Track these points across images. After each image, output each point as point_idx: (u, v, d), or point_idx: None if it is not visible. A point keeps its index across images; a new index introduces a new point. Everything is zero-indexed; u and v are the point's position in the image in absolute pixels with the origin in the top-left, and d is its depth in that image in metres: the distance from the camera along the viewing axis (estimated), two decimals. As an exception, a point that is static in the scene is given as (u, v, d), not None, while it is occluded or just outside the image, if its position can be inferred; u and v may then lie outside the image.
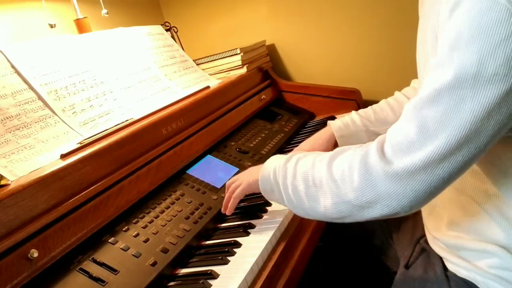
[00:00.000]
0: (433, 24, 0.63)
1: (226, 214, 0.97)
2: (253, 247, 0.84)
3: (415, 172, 0.60)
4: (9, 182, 0.80)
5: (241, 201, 1.07)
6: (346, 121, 1.10)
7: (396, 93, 1.13)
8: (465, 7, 0.56)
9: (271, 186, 0.83)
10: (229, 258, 0.81)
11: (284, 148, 1.39)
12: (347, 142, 1.08)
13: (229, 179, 1.00)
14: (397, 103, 1.09)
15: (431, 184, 0.61)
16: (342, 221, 0.72)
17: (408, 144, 0.61)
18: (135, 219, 0.89)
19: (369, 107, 1.12)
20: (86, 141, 0.95)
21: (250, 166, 1.20)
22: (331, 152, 0.75)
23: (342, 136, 1.09)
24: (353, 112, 1.13)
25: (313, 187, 0.73)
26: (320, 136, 1.12)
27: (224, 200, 0.97)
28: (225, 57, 1.62)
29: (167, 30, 1.63)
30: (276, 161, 0.84)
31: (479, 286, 0.73)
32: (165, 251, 0.83)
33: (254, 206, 1.01)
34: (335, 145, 1.10)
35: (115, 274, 0.75)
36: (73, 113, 1.06)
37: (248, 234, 0.89)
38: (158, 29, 1.57)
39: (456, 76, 0.56)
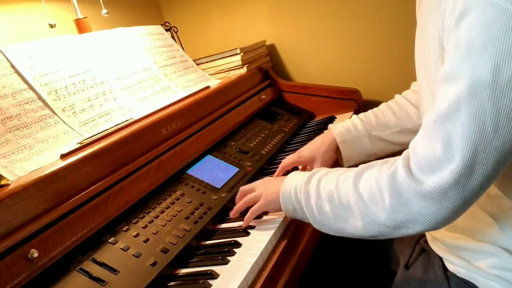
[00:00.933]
0: (437, 30, 0.63)
1: (230, 216, 0.97)
2: (253, 247, 0.84)
3: (447, 189, 0.60)
4: (9, 182, 0.80)
5: (241, 201, 1.08)
6: (347, 126, 1.09)
7: (397, 96, 1.12)
8: (473, 17, 0.55)
9: (293, 206, 0.83)
10: (229, 258, 0.81)
11: (284, 148, 1.39)
12: (349, 147, 1.07)
13: (243, 184, 1.00)
14: (398, 107, 1.08)
15: (464, 198, 0.60)
16: (372, 239, 0.72)
17: (435, 161, 0.61)
18: (135, 219, 0.89)
19: (370, 111, 1.11)
20: (86, 141, 0.95)
21: (250, 166, 1.20)
22: (354, 170, 0.74)
23: (344, 142, 1.07)
24: (354, 116, 1.11)
25: (340, 207, 0.73)
26: (322, 141, 1.10)
27: (236, 207, 0.96)
28: (225, 57, 1.62)
29: (167, 30, 1.63)
30: (296, 179, 0.83)
31: (479, 286, 0.73)
32: (165, 251, 0.83)
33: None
34: (337, 150, 1.09)
35: (115, 274, 0.75)
36: (73, 113, 1.06)
37: (248, 234, 0.89)
38: (158, 29, 1.57)
39: (472, 87, 0.56)
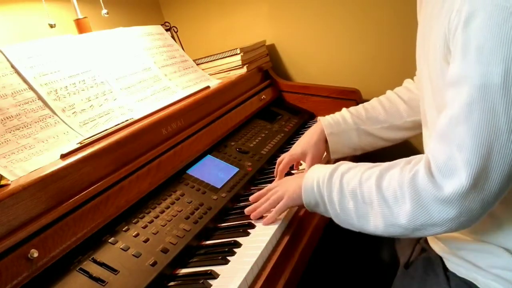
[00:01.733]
0: (442, 30, 0.63)
1: (252, 218, 0.95)
2: (253, 247, 0.84)
3: (465, 193, 0.60)
4: (9, 182, 0.80)
5: (241, 201, 1.08)
6: (336, 118, 1.09)
7: (388, 92, 1.12)
8: (480, 19, 0.56)
9: (315, 200, 0.83)
10: (229, 258, 0.81)
11: (284, 148, 1.39)
12: (337, 139, 1.08)
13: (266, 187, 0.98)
14: (389, 103, 1.08)
15: (483, 200, 0.61)
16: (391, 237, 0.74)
17: (453, 165, 0.61)
18: (135, 219, 0.89)
19: (360, 105, 1.11)
20: (86, 141, 0.95)
21: (250, 166, 1.20)
22: (377, 168, 0.74)
23: (332, 134, 1.08)
24: (344, 109, 1.12)
25: (363, 205, 0.73)
26: (311, 133, 1.11)
27: (261, 208, 0.94)
28: (225, 57, 1.62)
29: (167, 30, 1.63)
30: (318, 173, 0.83)
31: (479, 286, 0.73)
32: (165, 251, 0.83)
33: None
34: (326, 141, 1.10)
35: (115, 274, 0.75)
36: (73, 113, 1.06)
37: (248, 234, 0.89)
38: (158, 29, 1.57)
39: (483, 89, 0.57)
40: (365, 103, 1.12)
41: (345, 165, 0.81)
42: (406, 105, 1.06)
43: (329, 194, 0.79)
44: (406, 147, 1.61)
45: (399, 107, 1.06)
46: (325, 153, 1.12)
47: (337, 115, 1.10)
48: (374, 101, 1.11)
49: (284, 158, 1.11)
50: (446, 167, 0.62)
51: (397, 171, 0.70)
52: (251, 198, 0.99)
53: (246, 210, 0.96)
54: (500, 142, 0.57)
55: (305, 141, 1.10)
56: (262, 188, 1.11)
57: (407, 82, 1.12)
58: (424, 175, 0.65)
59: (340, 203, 0.77)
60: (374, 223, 0.72)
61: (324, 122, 1.09)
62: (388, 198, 0.69)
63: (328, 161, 1.15)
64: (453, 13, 0.60)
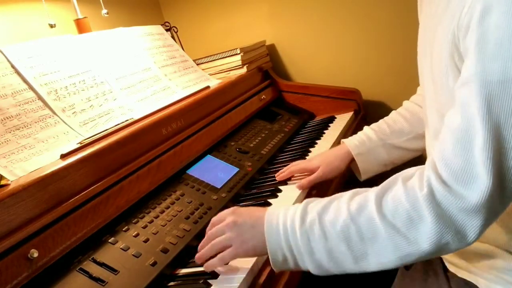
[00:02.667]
0: (450, 28, 0.62)
1: (196, 261, 0.77)
2: (253, 247, 0.83)
3: (491, 196, 0.56)
4: (9, 182, 0.80)
5: (241, 201, 1.08)
6: (361, 138, 1.07)
7: (405, 102, 1.10)
8: (498, 14, 0.54)
9: (283, 255, 0.68)
10: (229, 258, 0.81)
11: (284, 148, 1.39)
12: (365, 159, 1.06)
13: (214, 218, 0.78)
14: (409, 113, 1.06)
15: (505, 197, 0.58)
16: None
17: (471, 170, 0.57)
18: (135, 219, 0.89)
19: (381, 120, 1.09)
20: (86, 141, 0.95)
21: (250, 166, 1.20)
22: (369, 194, 0.65)
23: (360, 154, 1.05)
24: (366, 127, 1.10)
25: (360, 244, 0.63)
26: (335, 154, 1.08)
27: (203, 251, 0.75)
28: (225, 57, 1.62)
29: (167, 30, 1.63)
30: (281, 219, 0.69)
31: (479, 286, 0.73)
32: (165, 251, 0.83)
33: (254, 205, 1.01)
34: (350, 163, 1.08)
35: (115, 274, 0.75)
36: (73, 113, 1.06)
37: (248, 234, 0.89)
38: (158, 29, 1.57)
39: (504, 84, 0.55)
40: (386, 118, 1.09)
41: (315, 203, 0.69)
42: None
43: (306, 244, 0.65)
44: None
45: (420, 116, 1.03)
46: (339, 176, 1.10)
47: (360, 135, 1.08)
48: (394, 114, 1.09)
49: (301, 163, 1.10)
50: (465, 173, 0.57)
51: (401, 192, 0.62)
52: (200, 244, 0.79)
53: (196, 258, 0.77)
54: None
55: (326, 157, 1.08)
56: (261, 188, 1.11)
57: (421, 89, 1.11)
58: (440, 188, 0.59)
59: (326, 251, 0.65)
60: (381, 259, 0.62)
61: (350, 145, 1.07)
62: (400, 224, 0.60)
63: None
64: (464, 9, 0.58)
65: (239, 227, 0.72)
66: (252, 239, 0.71)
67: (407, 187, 0.62)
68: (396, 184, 0.64)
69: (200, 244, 0.78)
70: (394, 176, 0.66)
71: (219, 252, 0.74)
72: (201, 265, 0.78)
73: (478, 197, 0.56)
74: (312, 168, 1.08)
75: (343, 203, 0.66)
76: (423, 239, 0.59)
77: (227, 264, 0.75)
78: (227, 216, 0.75)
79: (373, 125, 1.09)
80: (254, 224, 0.71)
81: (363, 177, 1.08)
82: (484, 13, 0.56)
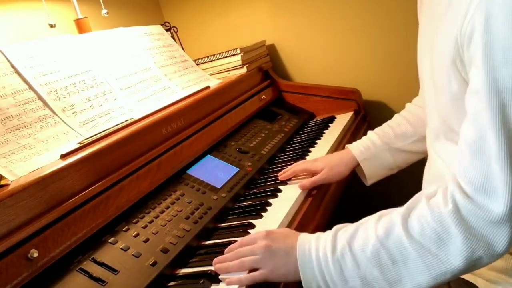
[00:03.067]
0: (453, 36, 0.61)
1: (217, 271, 0.76)
2: (253, 247, 0.83)
3: None
4: (9, 182, 0.80)
5: (241, 201, 1.08)
6: (365, 143, 1.08)
7: (408, 105, 1.10)
8: (501, 21, 0.54)
9: (317, 284, 0.68)
10: (229, 258, 0.81)
11: (284, 148, 1.39)
12: (371, 164, 1.06)
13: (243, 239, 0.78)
14: (412, 115, 1.06)
15: None
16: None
17: (491, 181, 0.57)
18: (135, 219, 0.89)
19: (385, 124, 1.10)
20: (86, 141, 0.95)
21: (250, 166, 1.20)
22: (394, 216, 0.64)
23: (366, 159, 1.06)
24: (370, 132, 1.10)
25: (392, 267, 0.62)
26: (340, 158, 1.08)
27: (229, 265, 0.75)
28: (225, 57, 1.62)
29: (167, 30, 1.63)
30: (314, 250, 0.69)
31: (479, 286, 0.73)
32: (165, 251, 0.83)
33: (254, 205, 1.01)
34: (354, 169, 1.08)
35: (115, 274, 0.75)
36: (73, 113, 1.06)
37: (248, 234, 0.89)
38: (158, 29, 1.57)
39: None
40: (389, 122, 1.10)
41: (343, 230, 0.69)
42: None
43: (339, 274, 0.65)
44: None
45: (422, 117, 1.03)
46: (342, 180, 1.10)
47: (364, 140, 1.09)
48: (397, 117, 1.09)
49: (305, 163, 1.10)
50: (486, 185, 0.57)
51: (425, 210, 0.62)
52: (226, 250, 0.80)
53: (215, 262, 0.78)
54: None
55: (331, 161, 1.08)
56: (261, 188, 1.11)
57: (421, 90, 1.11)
58: (464, 202, 0.59)
59: (360, 278, 0.64)
60: (416, 281, 0.62)
61: (355, 151, 1.07)
62: (429, 244, 0.60)
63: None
64: (466, 18, 0.58)
65: (273, 252, 0.72)
66: (284, 266, 0.71)
67: (431, 205, 0.62)
68: (420, 203, 0.64)
69: (226, 256, 0.77)
70: (417, 195, 0.66)
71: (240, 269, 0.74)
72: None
73: (502, 207, 0.56)
74: (316, 169, 1.07)
75: (370, 228, 0.66)
76: (454, 256, 0.59)
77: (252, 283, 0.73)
78: (261, 239, 0.75)
79: (377, 130, 1.09)
80: (287, 252, 0.71)
81: (369, 182, 1.09)
82: (487, 21, 0.55)
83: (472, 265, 0.60)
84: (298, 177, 1.11)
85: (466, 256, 0.58)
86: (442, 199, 0.61)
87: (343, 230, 0.69)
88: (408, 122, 1.06)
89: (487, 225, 0.57)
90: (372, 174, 1.08)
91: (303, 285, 0.69)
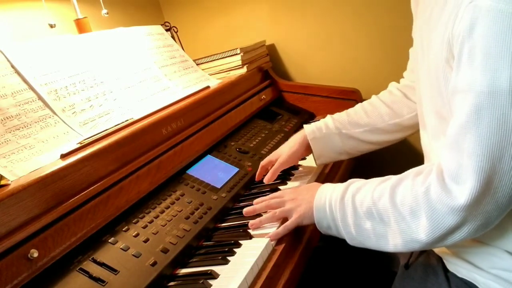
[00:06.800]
0: (446, 35, 0.64)
1: (250, 227, 0.90)
2: (253, 247, 0.84)
3: (477, 198, 0.62)
4: (9, 182, 0.79)
5: (241, 201, 1.08)
6: (319, 124, 1.12)
7: (373, 97, 1.15)
8: (484, 26, 0.57)
9: (327, 223, 0.82)
10: (229, 258, 0.81)
11: (284, 148, 1.39)
12: (319, 144, 1.11)
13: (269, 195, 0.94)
14: (371, 106, 1.11)
15: (498, 203, 0.62)
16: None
17: (462, 172, 0.62)
18: (135, 219, 0.89)
19: (344, 111, 1.14)
20: (86, 141, 0.95)
21: (250, 166, 1.20)
22: (388, 183, 0.74)
23: (315, 139, 1.10)
24: (328, 115, 1.15)
25: (380, 224, 0.73)
26: (294, 139, 1.14)
27: (263, 218, 0.89)
28: (225, 57, 1.62)
29: (167, 30, 1.63)
30: (329, 194, 0.82)
31: (479, 286, 0.73)
32: (165, 251, 0.83)
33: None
34: (308, 147, 1.12)
35: (115, 274, 0.75)
36: (73, 113, 1.06)
37: (248, 234, 0.89)
38: (158, 29, 1.57)
39: (492, 95, 0.58)
40: (349, 109, 1.14)
41: (355, 183, 0.81)
42: (388, 108, 1.08)
43: (343, 217, 0.78)
44: (404, 145, 1.61)
45: (380, 111, 1.09)
46: (298, 159, 1.15)
47: (320, 122, 1.13)
48: (357, 106, 1.14)
49: (268, 157, 1.14)
50: (457, 175, 0.63)
51: (409, 184, 0.71)
52: (255, 201, 0.95)
53: (245, 211, 0.93)
54: (509, 145, 0.58)
55: (286, 145, 1.14)
56: (262, 188, 1.11)
57: (391, 86, 1.15)
58: (437, 186, 0.66)
59: (355, 225, 0.76)
60: (394, 241, 0.72)
61: (307, 130, 1.12)
62: (405, 214, 0.69)
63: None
64: (457, 19, 0.61)
65: (298, 202, 0.87)
66: (307, 209, 0.85)
67: (414, 181, 0.70)
68: (408, 178, 0.72)
69: (255, 207, 0.92)
70: (410, 170, 0.74)
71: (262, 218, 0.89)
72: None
73: (465, 196, 0.62)
74: (277, 157, 1.11)
75: (370, 188, 0.76)
76: (421, 230, 0.67)
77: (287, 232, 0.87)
78: (287, 194, 0.91)
79: (335, 114, 1.14)
80: (309, 201, 0.85)
81: (318, 162, 1.14)
82: (472, 25, 0.58)
83: (435, 241, 0.68)
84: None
85: (429, 234, 0.67)
86: (422, 179, 0.69)
87: (354, 184, 0.80)
88: (365, 112, 1.10)
89: (450, 211, 0.64)
90: (319, 154, 1.12)
91: (315, 219, 0.83)
